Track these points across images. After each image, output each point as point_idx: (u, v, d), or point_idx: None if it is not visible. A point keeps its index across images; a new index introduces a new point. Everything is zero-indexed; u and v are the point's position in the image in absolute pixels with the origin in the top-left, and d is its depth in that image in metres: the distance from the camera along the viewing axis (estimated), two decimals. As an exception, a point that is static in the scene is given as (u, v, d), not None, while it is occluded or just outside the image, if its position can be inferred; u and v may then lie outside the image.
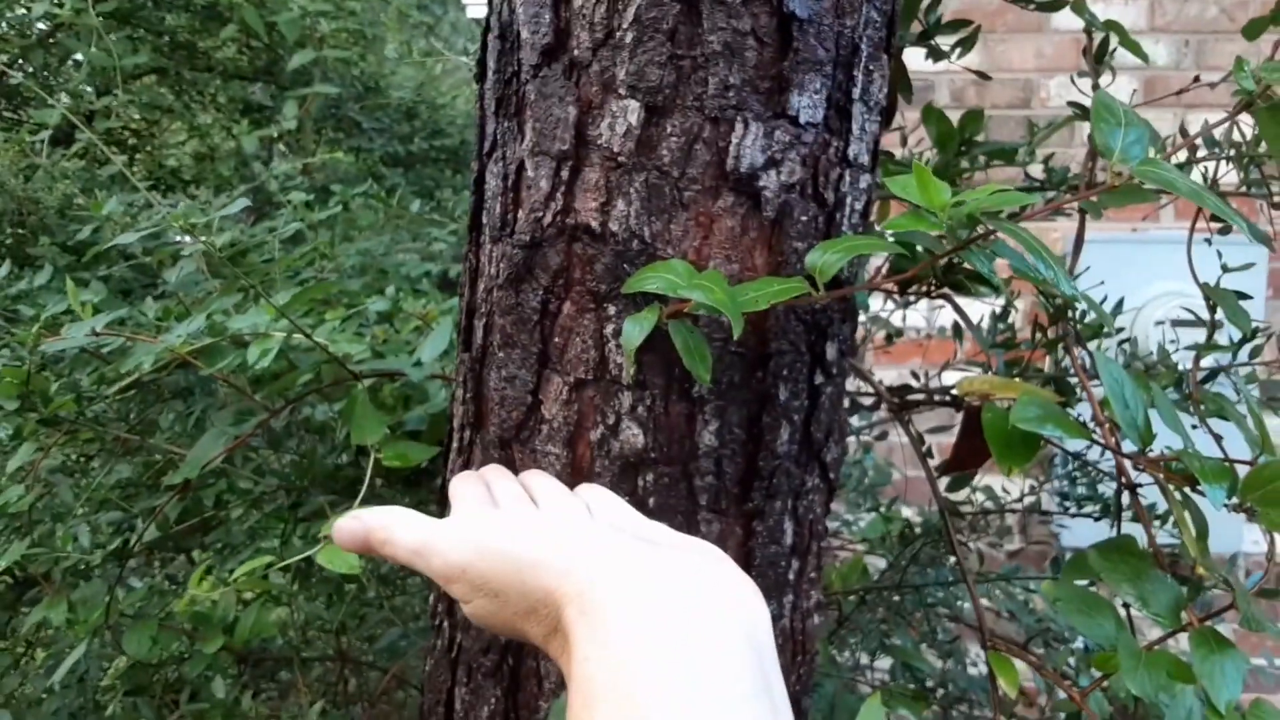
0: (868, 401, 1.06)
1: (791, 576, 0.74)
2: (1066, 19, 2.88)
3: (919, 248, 0.83)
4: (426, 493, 1.06)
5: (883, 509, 1.28)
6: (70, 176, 2.94)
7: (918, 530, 1.18)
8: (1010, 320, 1.13)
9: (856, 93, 0.67)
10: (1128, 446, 0.86)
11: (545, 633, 0.40)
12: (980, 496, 1.39)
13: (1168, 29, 2.82)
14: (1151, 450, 0.77)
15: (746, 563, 0.71)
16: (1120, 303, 1.19)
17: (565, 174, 0.66)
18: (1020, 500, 1.26)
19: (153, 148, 3.88)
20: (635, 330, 0.62)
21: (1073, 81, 1.02)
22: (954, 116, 1.07)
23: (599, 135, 0.65)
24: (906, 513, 1.45)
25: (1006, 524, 1.32)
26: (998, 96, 2.83)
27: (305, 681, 1.16)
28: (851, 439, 1.36)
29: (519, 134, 0.68)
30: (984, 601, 1.62)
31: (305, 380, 1.05)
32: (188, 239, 1.56)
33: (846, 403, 1.22)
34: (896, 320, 1.44)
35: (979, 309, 1.05)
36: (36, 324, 1.08)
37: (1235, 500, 0.71)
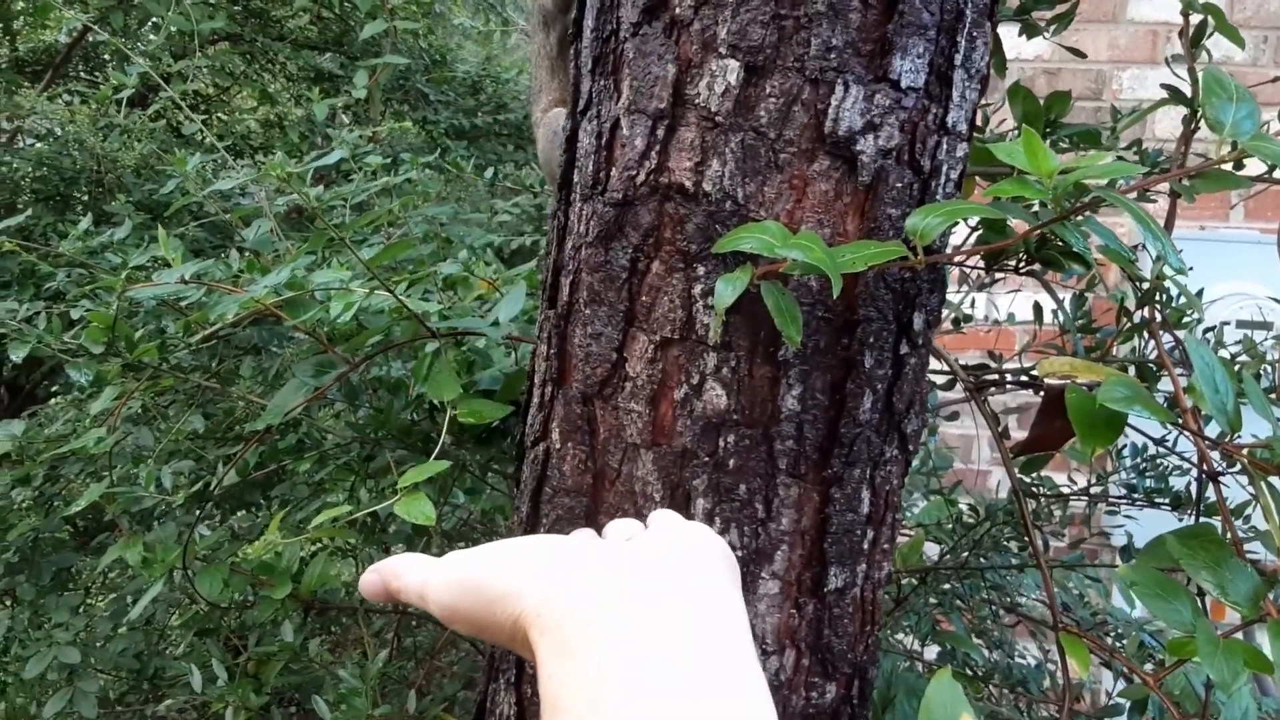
0: (941, 380, 1.05)
1: (866, 546, 0.74)
2: (1142, 9, 2.81)
3: (1009, 223, 0.82)
4: (498, 451, 1.07)
5: (944, 492, 1.27)
6: (147, 137, 3.01)
7: (980, 515, 1.17)
8: (1087, 306, 1.11)
9: (959, 59, 0.66)
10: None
11: (525, 651, 0.41)
12: (1041, 488, 1.37)
13: (1247, 24, 2.74)
14: (1240, 438, 0.76)
15: (822, 529, 0.71)
16: (1200, 293, 1.16)
17: (661, 132, 0.66)
18: (1087, 491, 1.24)
19: (224, 113, 3.96)
20: (728, 290, 0.62)
21: (1168, 64, 1.00)
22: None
23: (697, 94, 0.65)
24: (964, 503, 1.44)
25: (1069, 513, 1.30)
26: (1069, 87, 2.78)
27: (368, 632, 1.18)
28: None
29: (615, 92, 0.69)
30: (1038, 594, 1.60)
31: (380, 338, 1.07)
32: (263, 196, 1.59)
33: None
34: (965, 307, 1.42)
35: (1056, 296, 1.04)
36: (124, 270, 1.11)
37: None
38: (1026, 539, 1.20)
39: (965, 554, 1.16)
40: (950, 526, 1.26)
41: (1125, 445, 1.29)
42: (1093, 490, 1.22)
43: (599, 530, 0.72)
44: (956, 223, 0.86)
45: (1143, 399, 0.74)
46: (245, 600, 1.34)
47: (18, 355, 1.26)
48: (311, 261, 1.18)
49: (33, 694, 1.40)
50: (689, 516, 0.70)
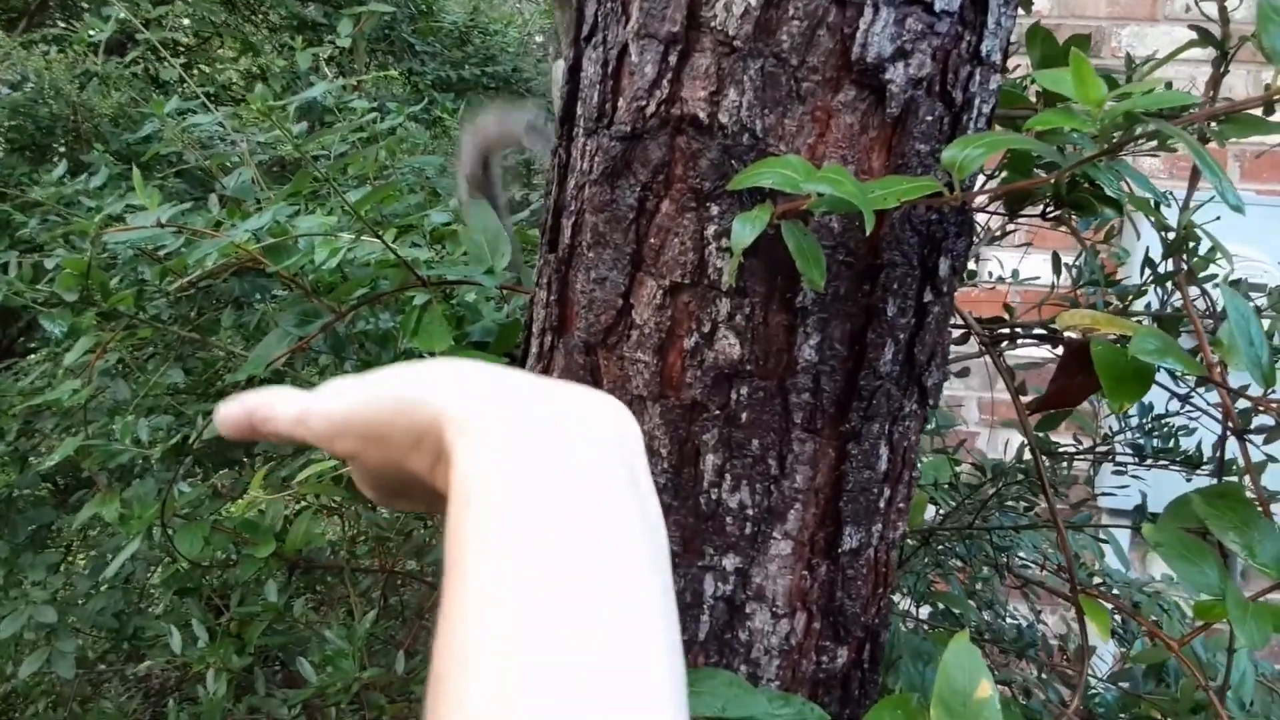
0: (954, 335, 1.01)
1: (882, 505, 0.70)
2: (1142, -34, 2.75)
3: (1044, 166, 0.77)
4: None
5: (949, 452, 1.23)
6: (124, 85, 2.92)
7: (986, 475, 1.14)
8: (1099, 260, 1.07)
9: (996, -19, 0.61)
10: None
11: (431, 463, 0.40)
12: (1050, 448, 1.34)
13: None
14: (1274, 393, 0.73)
15: (837, 487, 0.67)
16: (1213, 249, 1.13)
17: (673, 59, 0.61)
18: (1092, 450, 1.21)
19: (205, 64, 3.85)
20: (745, 230, 0.57)
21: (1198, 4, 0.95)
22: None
23: (713, 16, 0.60)
24: (967, 464, 1.41)
25: (1071, 474, 1.27)
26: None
27: (355, 591, 1.14)
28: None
29: (623, 15, 0.63)
30: (1031, 555, 1.58)
31: (367, 289, 1.02)
32: (244, 146, 1.52)
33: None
34: (971, 263, 1.38)
35: (1085, 243, 1.00)
36: (97, 216, 1.06)
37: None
38: (1030, 500, 1.17)
39: (969, 516, 1.13)
40: (949, 488, 1.23)
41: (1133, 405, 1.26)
42: (1099, 450, 1.19)
43: None
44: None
45: (1174, 351, 0.70)
46: (228, 559, 1.30)
47: (-12, 305, 1.20)
48: (295, 210, 1.13)
49: (9, 654, 1.36)
50: (698, 474, 0.66)
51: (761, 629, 0.68)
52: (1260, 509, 0.77)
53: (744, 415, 0.65)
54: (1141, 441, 1.24)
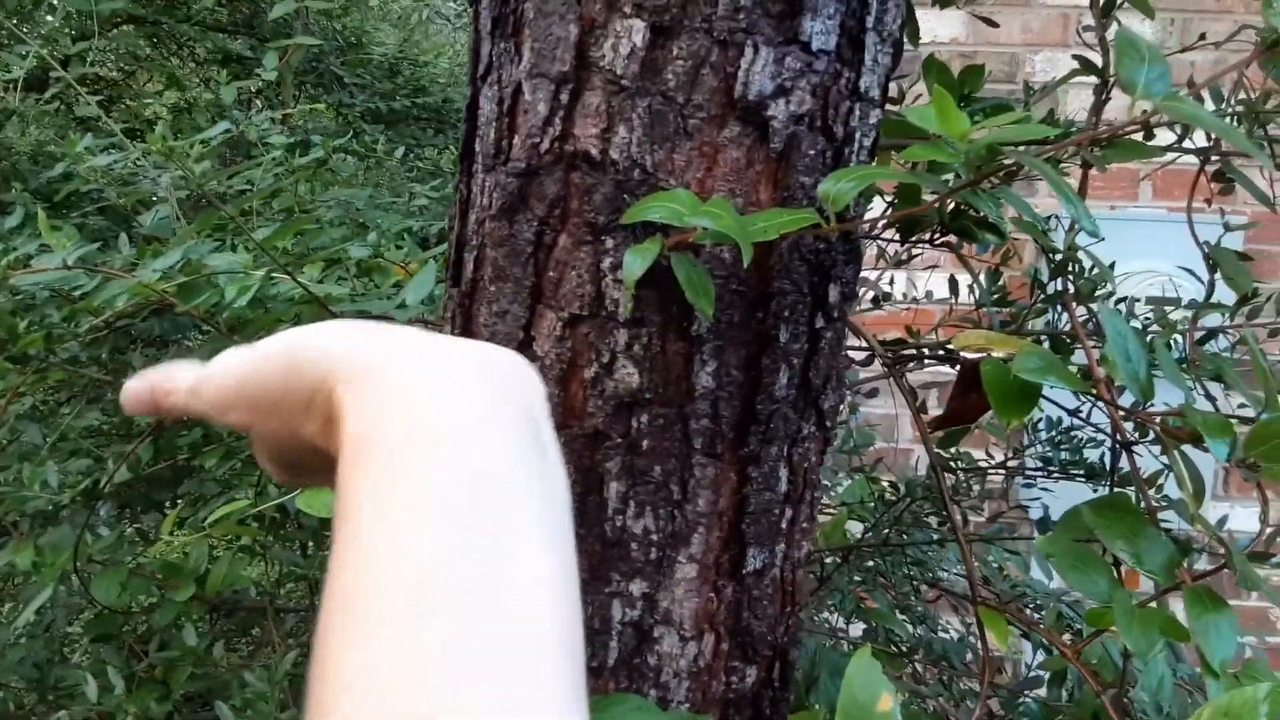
0: (859, 357, 1.04)
1: (785, 525, 0.72)
2: (1054, -7, 2.86)
3: (925, 195, 0.80)
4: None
5: (866, 470, 1.26)
6: (44, 122, 2.87)
7: (901, 492, 1.17)
8: (1002, 281, 1.11)
9: (870, 21, 0.64)
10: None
11: (322, 423, 0.38)
12: (959, 463, 1.38)
13: (1156, 5, 2.80)
14: (1151, 407, 0.76)
15: (740, 510, 0.69)
16: (1112, 266, 1.18)
17: (564, 97, 0.63)
18: (1004, 465, 1.25)
19: (129, 98, 3.79)
20: (637, 262, 0.59)
21: (1079, 35, 1.00)
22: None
23: (601, 56, 0.62)
24: (885, 481, 1.44)
25: (987, 489, 1.31)
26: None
27: (279, 633, 1.13)
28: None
29: (516, 55, 0.65)
30: (959, 569, 1.62)
31: (290, 322, 1.02)
32: (164, 181, 1.51)
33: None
34: (884, 284, 1.42)
35: (973, 270, 1.04)
36: (5, 259, 1.04)
37: (1238, 456, 0.71)
38: (946, 514, 1.20)
39: (886, 531, 1.16)
40: (873, 505, 1.26)
41: (1041, 419, 1.30)
42: (1009, 464, 1.23)
43: None
44: (874, 194, 0.85)
45: (1056, 369, 0.74)
46: (152, 604, 1.28)
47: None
48: (216, 246, 1.13)
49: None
50: (602, 501, 0.67)
51: (670, 652, 0.69)
52: (1149, 517, 0.80)
53: (645, 442, 0.66)
54: (1050, 454, 1.28)
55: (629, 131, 0.62)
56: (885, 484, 1.27)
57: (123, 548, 1.19)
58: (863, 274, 1.42)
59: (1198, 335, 0.91)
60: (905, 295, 1.48)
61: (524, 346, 0.67)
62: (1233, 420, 0.76)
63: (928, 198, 0.75)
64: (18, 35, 2.94)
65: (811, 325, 0.69)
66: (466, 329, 0.70)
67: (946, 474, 1.29)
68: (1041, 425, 1.32)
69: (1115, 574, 0.81)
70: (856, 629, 1.57)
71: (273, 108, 3.55)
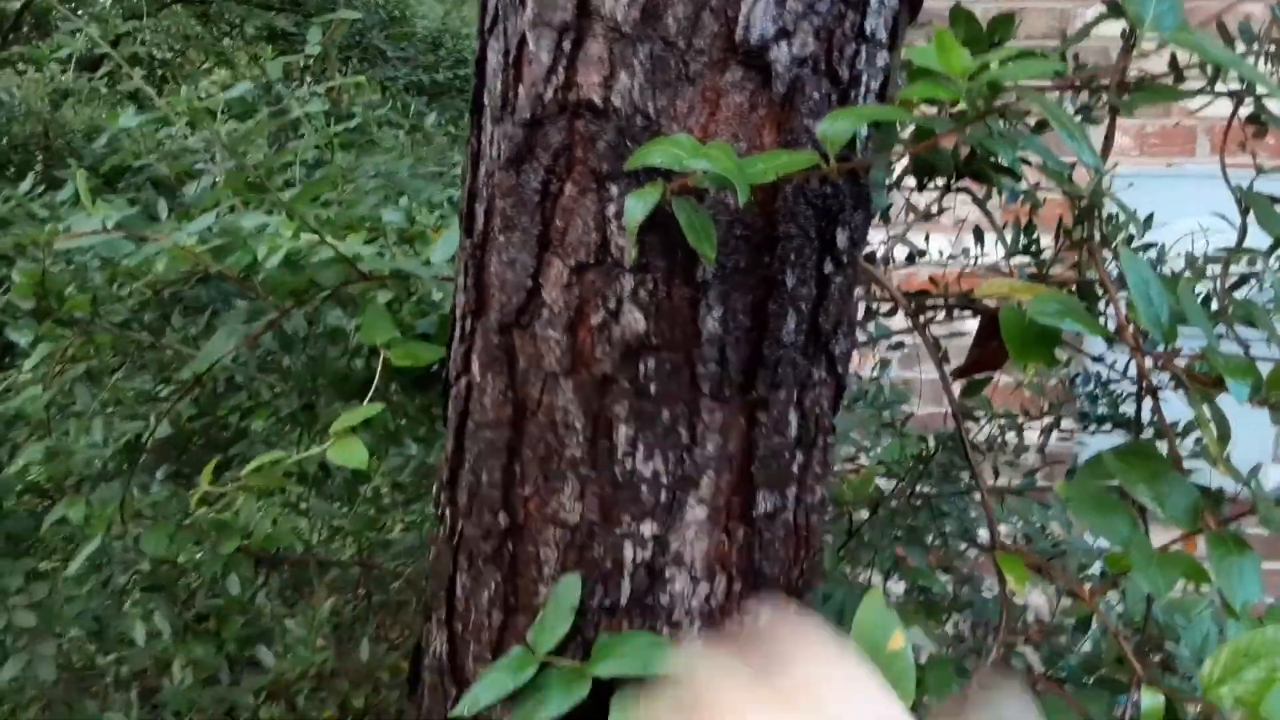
0: (884, 309, 1.04)
1: (796, 470, 0.73)
2: (1109, -60, 2.77)
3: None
4: (436, 395, 1.06)
5: (898, 426, 1.26)
6: (97, 101, 2.94)
7: (932, 446, 1.16)
8: (1036, 235, 1.10)
9: (872, -40, 0.64)
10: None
11: None
12: (1001, 420, 1.37)
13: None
14: (1178, 349, 0.75)
15: (749, 454, 0.70)
16: (1149, 218, 1.15)
17: (567, 46, 0.64)
18: (1040, 418, 1.23)
19: (180, 77, 3.87)
20: (638, 207, 0.60)
21: None
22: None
23: (602, 4, 0.62)
24: (916, 436, 1.43)
25: (1025, 443, 1.30)
26: (1032, 27, 2.73)
27: (321, 583, 1.17)
28: (868, 349, 1.34)
29: (520, 5, 0.66)
30: (1001, 528, 1.60)
31: (316, 285, 1.04)
32: (216, 156, 1.55)
33: (861, 311, 1.20)
34: (921, 242, 1.40)
35: (991, 216, 1.02)
36: (51, 225, 1.08)
37: (1259, 397, 0.69)
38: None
39: (917, 478, 1.16)
40: (904, 466, 1.26)
41: (1078, 374, 1.28)
42: (1045, 418, 1.22)
43: (522, 464, 0.70)
44: (893, 145, 0.84)
45: (1075, 312, 0.73)
46: (200, 557, 1.33)
47: (-49, 317, 1.22)
48: (256, 216, 1.15)
49: (-9, 660, 1.39)
50: (612, 445, 0.69)
51: (682, 592, 0.71)
52: (1174, 463, 0.79)
53: (653, 387, 0.67)
54: (1088, 410, 1.27)
55: (630, 78, 0.63)
56: (916, 439, 1.26)
57: (171, 504, 1.24)
58: (905, 234, 1.41)
59: (1230, 281, 0.89)
60: (941, 253, 1.46)
61: (532, 295, 0.68)
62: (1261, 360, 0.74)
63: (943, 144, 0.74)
64: (71, 16, 3.02)
65: (820, 270, 0.69)
66: (479, 279, 0.72)
67: (978, 426, 1.28)
68: (1079, 380, 1.30)
69: (1144, 525, 0.80)
70: (898, 587, 1.57)
71: (318, 83, 3.59)
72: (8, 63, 2.77)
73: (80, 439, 1.00)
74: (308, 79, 3.62)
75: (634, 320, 0.66)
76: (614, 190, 0.65)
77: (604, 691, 0.67)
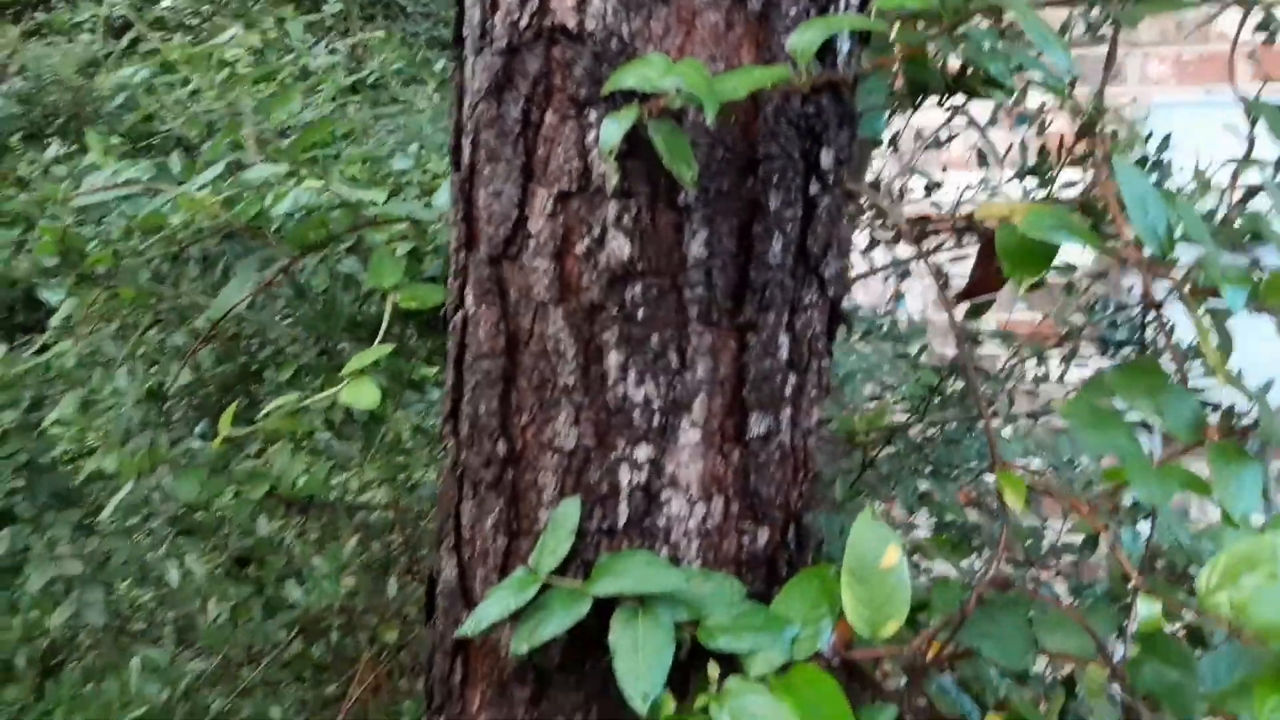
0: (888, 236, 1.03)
1: (789, 392, 0.73)
2: None
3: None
4: (444, 336, 1.07)
5: (911, 359, 1.25)
6: (124, 66, 2.97)
7: (944, 375, 1.16)
8: (1048, 158, 1.08)
9: None
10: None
11: None
12: (1021, 354, 1.36)
13: None
14: (1177, 263, 0.74)
15: (740, 376, 0.71)
16: (1167, 139, 1.12)
17: (539, -29, 0.64)
18: (1059, 345, 1.22)
19: (209, 39, 3.89)
20: (614, 130, 0.60)
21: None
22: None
23: (572, -73, 0.62)
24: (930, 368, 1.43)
25: (1044, 373, 1.29)
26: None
27: (348, 524, 1.21)
28: (872, 280, 1.33)
29: (494, -66, 0.66)
30: (1034, 462, 1.60)
31: (327, 231, 1.06)
32: (244, 115, 1.56)
33: (866, 239, 1.19)
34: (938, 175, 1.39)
35: (1008, 139, 1.01)
36: (67, 182, 1.11)
37: (1257, 304, 0.68)
38: (990, 396, 1.19)
39: (924, 414, 1.15)
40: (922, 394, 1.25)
41: (1097, 300, 1.27)
42: (1065, 347, 1.21)
43: (518, 393, 0.71)
44: (889, 74, 0.83)
45: (1069, 226, 0.72)
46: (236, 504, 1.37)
47: (-15, 279, 1.26)
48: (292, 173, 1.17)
49: (44, 608, 1.45)
50: (603, 371, 0.70)
51: (679, 514, 0.72)
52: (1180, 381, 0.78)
53: (641, 313, 0.68)
54: (1107, 336, 1.25)
55: (604, 1, 0.63)
56: (933, 372, 1.26)
57: (203, 453, 1.27)
58: (913, 162, 1.39)
59: (1238, 194, 0.87)
60: (958, 188, 1.44)
61: (519, 225, 0.69)
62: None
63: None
64: (97, -16, 3.04)
65: (805, 191, 0.69)
66: (468, 213, 0.73)
67: (999, 360, 1.27)
68: (1098, 307, 1.29)
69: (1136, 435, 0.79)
70: (925, 524, 1.57)
71: (342, 38, 3.60)
72: (36, 32, 2.80)
73: (106, 386, 1.04)
74: (330, 36, 3.63)
75: (619, 247, 0.67)
76: (593, 116, 0.65)
77: (605, 611, 0.69)
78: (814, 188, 0.69)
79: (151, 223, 1.04)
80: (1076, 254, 0.96)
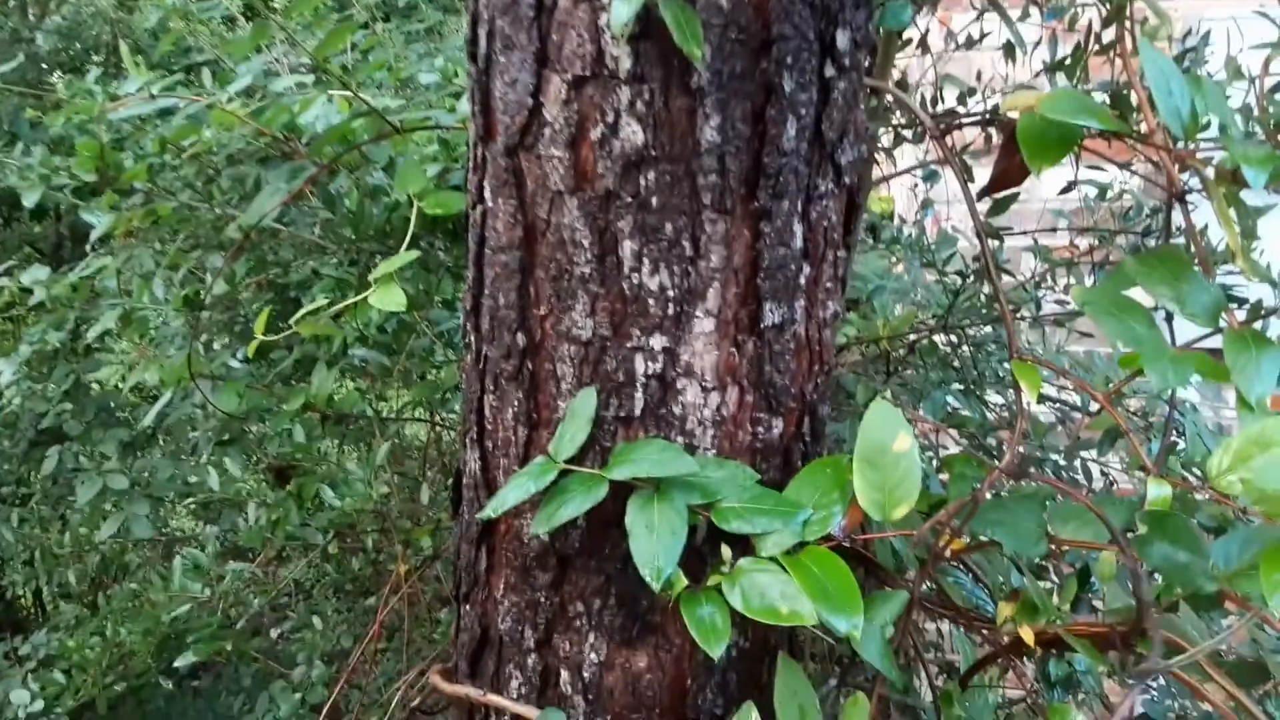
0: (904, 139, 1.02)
1: (803, 281, 0.74)
2: None
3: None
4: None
5: (940, 266, 1.24)
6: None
7: (968, 277, 1.15)
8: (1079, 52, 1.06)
9: None
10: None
11: None
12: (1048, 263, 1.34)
13: None
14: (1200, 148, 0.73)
15: (755, 264, 0.71)
16: (1207, 34, 1.09)
17: None
18: (1090, 253, 1.21)
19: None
20: (624, 8, 0.60)
21: None
22: None
23: None
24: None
25: (1074, 282, 1.27)
26: None
27: (380, 433, 1.24)
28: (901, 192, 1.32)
29: None
30: (1061, 382, 1.59)
31: (351, 139, 1.07)
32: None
33: (890, 137, 1.18)
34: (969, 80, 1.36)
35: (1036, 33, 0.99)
36: (103, 97, 1.13)
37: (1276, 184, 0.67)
38: (1017, 301, 1.18)
39: (947, 319, 1.15)
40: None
41: (1131, 206, 1.25)
42: (1095, 255, 1.19)
43: (535, 284, 0.73)
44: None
45: (1089, 109, 0.71)
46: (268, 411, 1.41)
47: (30, 200, 1.30)
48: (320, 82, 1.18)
49: (92, 522, 1.51)
50: (619, 260, 0.70)
51: (694, 402, 0.73)
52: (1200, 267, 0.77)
53: (655, 200, 0.69)
54: (1139, 244, 1.23)
55: (614, -121, 0.62)
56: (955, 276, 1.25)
57: (240, 371, 1.31)
58: (941, 59, 1.36)
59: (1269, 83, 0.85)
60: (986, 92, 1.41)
61: (534, 114, 0.69)
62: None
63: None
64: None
65: (820, 74, 0.68)
66: (485, 104, 0.73)
67: (992, 239, 1.25)
68: (1132, 213, 1.27)
69: (1171, 334, 0.79)
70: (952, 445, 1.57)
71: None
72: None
73: (143, 295, 1.07)
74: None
75: (632, 133, 0.67)
76: (605, -1, 0.65)
77: (622, 498, 0.70)
78: (829, 70, 0.69)
79: (184, 135, 1.05)
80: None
